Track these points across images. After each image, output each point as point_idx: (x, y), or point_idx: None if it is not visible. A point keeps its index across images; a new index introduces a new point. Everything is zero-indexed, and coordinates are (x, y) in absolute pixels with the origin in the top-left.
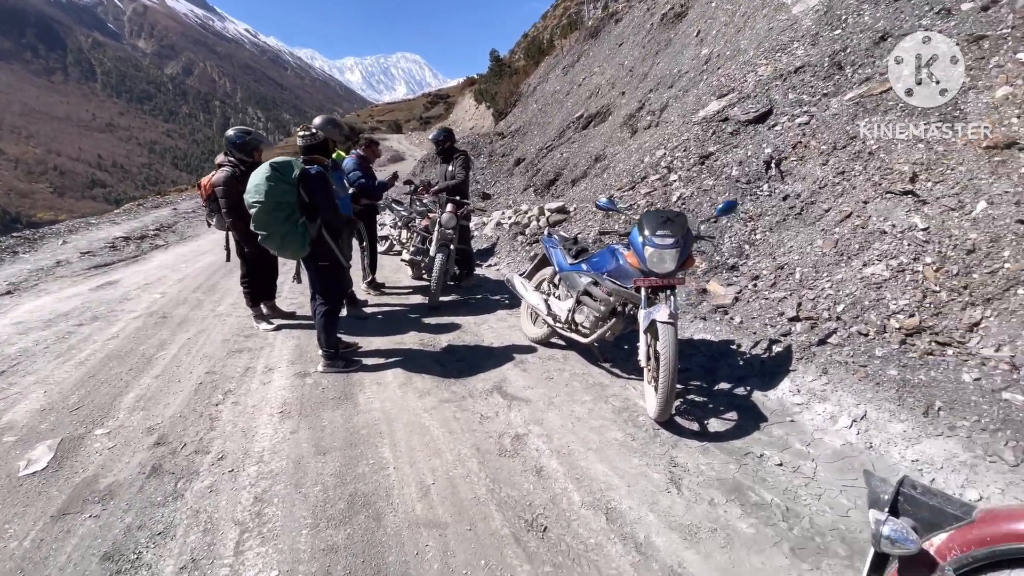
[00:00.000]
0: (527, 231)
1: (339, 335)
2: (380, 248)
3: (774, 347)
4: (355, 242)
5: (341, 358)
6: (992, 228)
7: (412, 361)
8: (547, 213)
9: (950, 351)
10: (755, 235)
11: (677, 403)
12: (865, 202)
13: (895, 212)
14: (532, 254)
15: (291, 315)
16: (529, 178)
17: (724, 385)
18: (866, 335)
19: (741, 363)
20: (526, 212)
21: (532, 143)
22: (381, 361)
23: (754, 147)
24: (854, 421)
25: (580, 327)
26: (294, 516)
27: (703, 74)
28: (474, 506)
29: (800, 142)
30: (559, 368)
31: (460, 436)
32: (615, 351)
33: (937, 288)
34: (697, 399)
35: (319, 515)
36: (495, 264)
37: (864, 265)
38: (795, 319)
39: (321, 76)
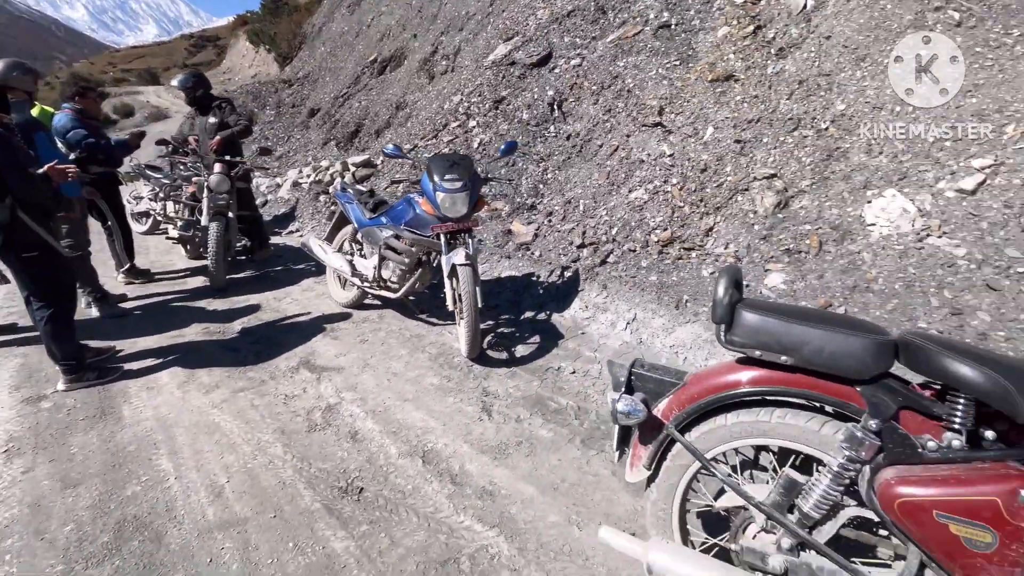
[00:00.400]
0: (331, 189)
1: (84, 342)
2: (141, 227)
3: (566, 273)
4: (95, 223)
5: (91, 368)
6: (717, 149)
7: (196, 354)
8: (351, 168)
9: (694, 254)
10: (547, 175)
11: (488, 338)
12: (628, 136)
13: (649, 142)
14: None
15: (9, 328)
16: (328, 131)
17: (528, 314)
18: (634, 251)
19: (541, 292)
20: (327, 168)
21: (326, 91)
22: (153, 362)
23: (539, 90)
24: (627, 323)
25: (388, 283)
26: (38, 569)
27: (490, 16)
28: (279, 491)
29: (576, 83)
30: (374, 329)
31: (260, 424)
32: (430, 301)
33: (682, 204)
34: (505, 331)
35: (73, 558)
36: (296, 230)
37: (630, 191)
38: (582, 246)
39: (25, 12)
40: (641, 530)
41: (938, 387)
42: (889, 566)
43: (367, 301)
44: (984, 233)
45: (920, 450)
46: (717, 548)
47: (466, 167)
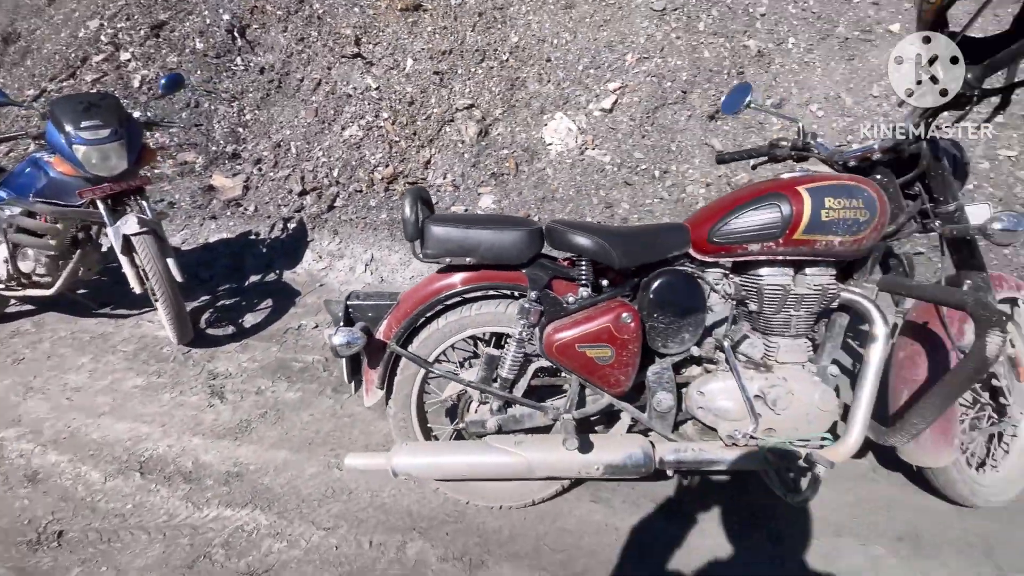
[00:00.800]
0: None
1: None
2: None
3: (290, 225)
4: None
5: None
6: (420, 81)
7: None
8: None
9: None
10: (245, 116)
11: (206, 315)
12: (329, 68)
13: (353, 75)
14: None
15: None
16: None
17: (254, 278)
18: (361, 191)
19: (265, 250)
20: None
21: None
22: None
23: (211, 13)
24: (366, 266)
25: (34, 278)
26: None
27: None
28: None
29: (256, 6)
30: (32, 342)
31: None
32: (113, 288)
33: (398, 139)
34: (228, 302)
35: None
36: None
37: (343, 129)
38: (303, 193)
39: None
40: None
41: (573, 258)
42: (565, 394)
43: (10, 309)
44: (619, 143)
45: (565, 306)
46: (456, 433)
47: (109, 108)
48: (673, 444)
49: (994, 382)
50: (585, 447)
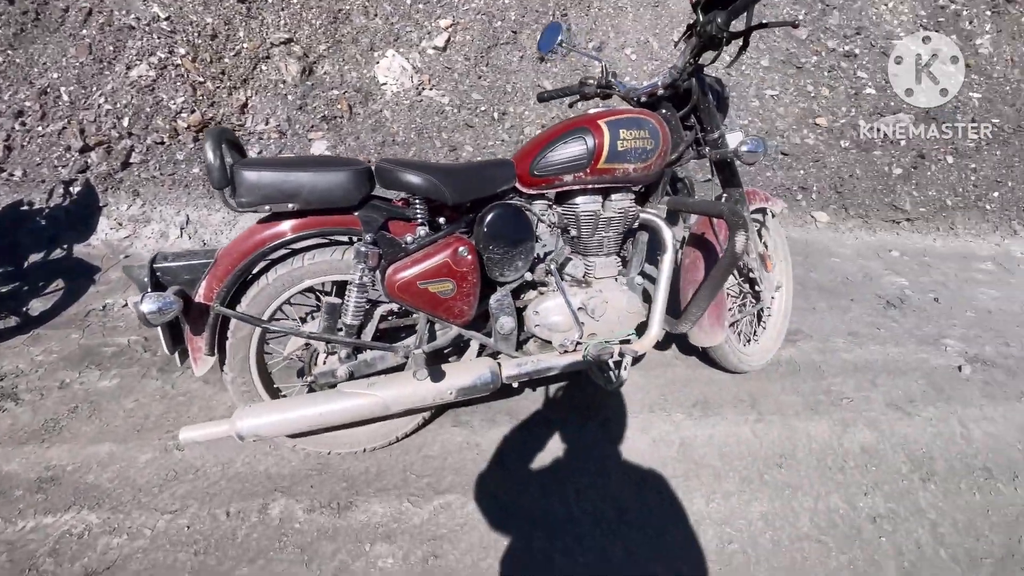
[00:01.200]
0: None
1: None
2: None
3: (74, 189)
4: None
5: None
6: (222, 11)
7: None
8: None
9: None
10: None
11: None
12: None
13: (134, 3)
14: None
15: None
16: None
17: (35, 257)
18: (163, 143)
19: (45, 223)
20: None
21: None
22: None
23: None
24: (182, 229)
25: None
26: None
27: None
28: None
29: None
30: None
31: None
32: None
33: (202, 79)
34: (4, 289)
35: None
36: None
37: (128, 68)
38: (86, 149)
39: None
40: None
41: (407, 197)
42: (415, 332)
43: None
44: (457, 83)
45: (404, 246)
46: (309, 389)
47: None
48: (515, 360)
49: (751, 274)
50: (437, 376)
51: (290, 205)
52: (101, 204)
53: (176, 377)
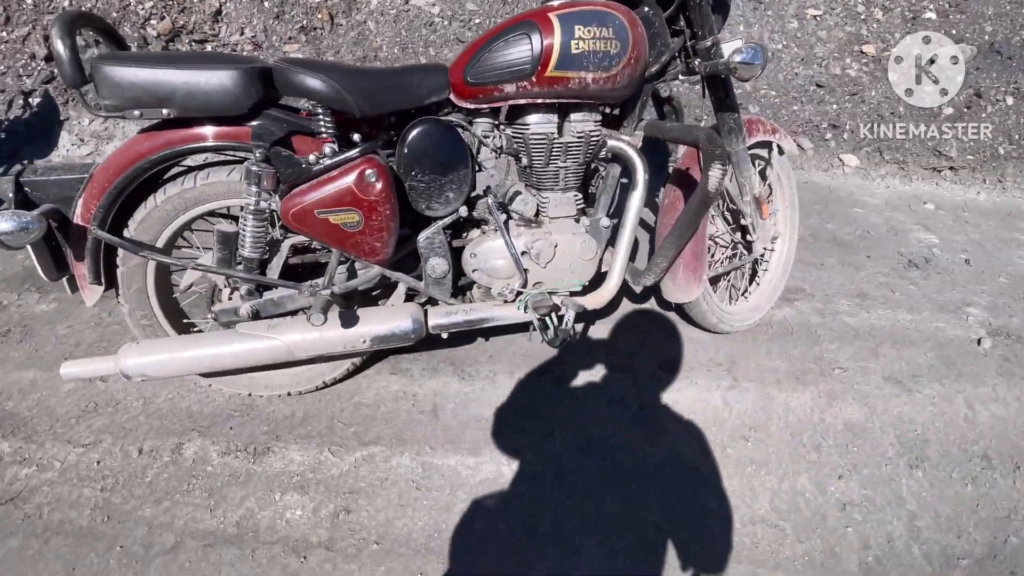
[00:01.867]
0: None
1: None
2: None
3: (34, 100)
4: None
5: None
6: None
7: None
8: None
9: (209, 47)
10: None
11: None
12: None
13: None
14: None
15: None
16: None
17: None
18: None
19: (4, 135)
20: None
21: None
22: None
23: None
24: None
25: None
26: None
27: None
28: None
29: None
30: None
31: None
32: None
33: None
34: None
35: None
36: None
37: None
38: (51, 58)
39: None
40: None
41: (312, 107)
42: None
43: None
44: None
45: (305, 166)
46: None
47: None
48: (444, 308)
49: (742, 221)
50: (349, 320)
51: (164, 111)
52: (62, 118)
53: (114, 305)
